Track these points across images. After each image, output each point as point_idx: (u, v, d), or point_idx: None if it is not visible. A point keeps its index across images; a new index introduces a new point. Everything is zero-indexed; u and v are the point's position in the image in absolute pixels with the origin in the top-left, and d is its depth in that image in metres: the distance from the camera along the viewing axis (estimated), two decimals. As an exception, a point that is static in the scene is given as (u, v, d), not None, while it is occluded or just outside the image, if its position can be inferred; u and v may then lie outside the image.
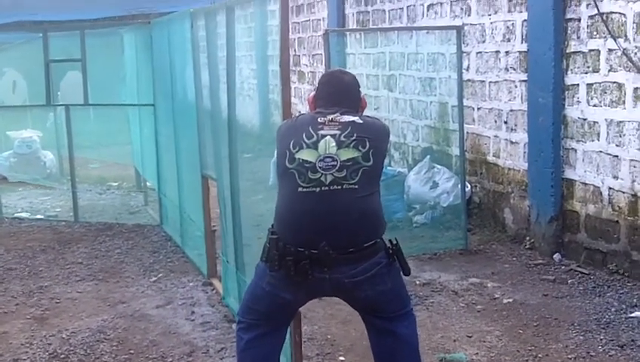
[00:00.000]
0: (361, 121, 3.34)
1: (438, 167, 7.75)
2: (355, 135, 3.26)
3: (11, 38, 11.55)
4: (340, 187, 3.18)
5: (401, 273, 3.40)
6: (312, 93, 3.56)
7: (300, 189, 3.19)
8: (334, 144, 3.23)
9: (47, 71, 8.27)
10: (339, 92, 3.48)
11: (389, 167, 8.25)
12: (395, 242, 3.33)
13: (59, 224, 8.28)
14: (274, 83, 13.48)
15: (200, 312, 5.28)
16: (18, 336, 4.96)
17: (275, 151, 3.45)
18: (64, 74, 11.57)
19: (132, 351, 4.64)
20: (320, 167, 3.19)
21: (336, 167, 3.19)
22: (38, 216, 8.73)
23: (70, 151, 8.55)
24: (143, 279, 6.12)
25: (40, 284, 6.06)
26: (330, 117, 3.32)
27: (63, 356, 4.59)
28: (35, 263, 6.69)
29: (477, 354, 4.55)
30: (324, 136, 3.25)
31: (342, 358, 4.51)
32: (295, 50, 12.52)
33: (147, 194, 9.10)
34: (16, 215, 8.77)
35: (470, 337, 4.81)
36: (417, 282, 5.90)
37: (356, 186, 3.20)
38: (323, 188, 3.18)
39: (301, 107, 12.37)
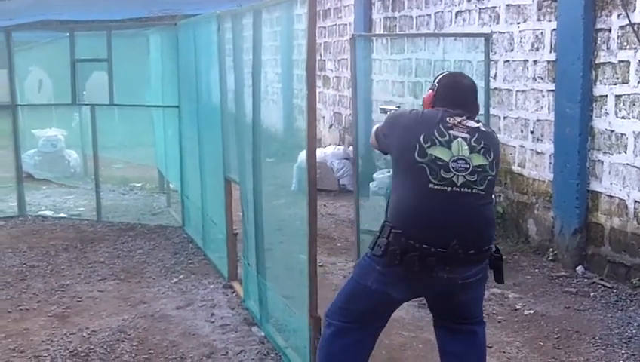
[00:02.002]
0: (484, 129, 3.40)
1: (462, 175, 7.69)
2: (482, 142, 3.32)
3: (37, 37, 11.65)
4: (470, 190, 3.23)
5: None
6: (430, 92, 3.56)
7: (430, 185, 3.20)
8: (467, 147, 3.27)
9: (73, 70, 8.33)
10: (463, 96, 3.50)
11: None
12: (499, 249, 3.43)
13: (82, 223, 8.33)
14: (298, 87, 13.48)
15: (220, 314, 5.28)
16: (39, 333, 4.99)
17: (388, 139, 3.47)
18: (90, 74, 11.63)
19: (152, 351, 4.65)
20: (453, 168, 3.22)
21: (469, 171, 3.23)
22: (62, 215, 8.79)
23: (95, 150, 8.61)
24: (164, 280, 6.13)
25: (62, 282, 6.09)
26: (458, 119, 3.35)
27: (83, 354, 4.61)
28: (57, 261, 6.73)
29: (497, 365, 4.51)
30: (456, 137, 3.28)
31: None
32: (321, 55, 12.53)
33: (170, 195, 9.13)
34: (39, 213, 8.83)
35: (490, 348, 4.75)
36: (438, 291, 5.85)
37: (483, 193, 3.27)
38: (454, 188, 3.21)
39: (325, 112, 12.38)
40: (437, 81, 3.58)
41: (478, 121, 3.43)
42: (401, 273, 3.20)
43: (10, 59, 8.63)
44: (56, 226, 8.19)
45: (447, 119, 3.34)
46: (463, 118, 3.37)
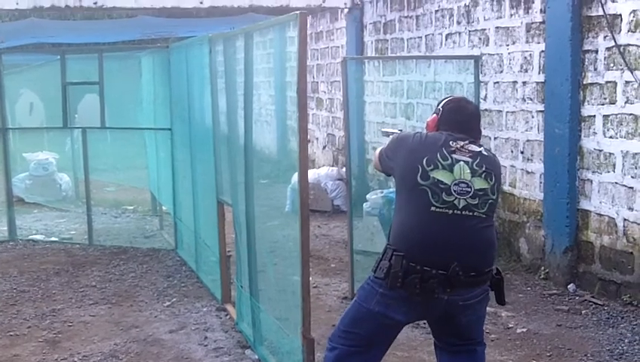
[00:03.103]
0: (486, 154, 3.43)
1: (454, 195, 7.72)
2: (484, 166, 3.36)
3: (29, 59, 11.68)
4: (471, 213, 3.27)
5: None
6: (434, 116, 3.60)
7: (432, 208, 3.24)
8: (469, 171, 3.31)
9: (64, 93, 8.33)
10: (466, 121, 3.54)
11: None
12: (500, 271, 3.48)
13: (73, 247, 8.31)
14: (292, 109, 13.54)
15: (213, 337, 5.26)
16: (29, 359, 4.96)
17: (391, 162, 3.52)
18: (82, 97, 11.66)
19: (144, 376, 4.64)
20: (455, 191, 3.26)
21: (470, 194, 3.27)
22: (53, 239, 8.76)
23: (86, 174, 8.60)
24: (157, 303, 6.11)
25: (53, 307, 6.07)
26: (461, 143, 3.39)
27: (75, 379, 4.60)
28: (48, 286, 6.70)
29: (490, 384, 4.51)
30: (458, 160, 3.32)
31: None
32: (313, 77, 12.59)
33: (162, 218, 9.11)
34: (30, 237, 8.80)
35: (484, 367, 4.76)
36: (431, 311, 5.86)
37: (484, 216, 3.31)
38: (455, 211, 3.25)
39: (318, 133, 12.43)
40: (441, 105, 3.62)
41: (480, 146, 3.47)
42: (403, 295, 3.23)
43: (0, 82, 8.63)
44: (47, 250, 8.16)
45: (451, 143, 3.38)
46: (466, 142, 3.41)
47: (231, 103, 5.41)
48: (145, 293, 6.41)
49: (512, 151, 7.20)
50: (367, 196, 8.28)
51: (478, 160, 3.35)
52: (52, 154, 11.64)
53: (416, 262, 3.19)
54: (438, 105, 3.65)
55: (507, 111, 7.24)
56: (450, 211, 3.24)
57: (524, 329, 5.44)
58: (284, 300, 4.85)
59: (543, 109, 6.67)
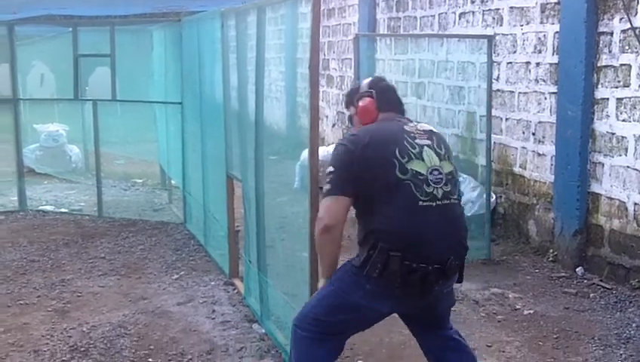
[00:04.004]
0: (435, 130, 3.34)
1: (464, 176, 7.70)
2: (442, 147, 3.27)
3: (40, 31, 11.65)
4: (449, 201, 3.17)
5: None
6: (368, 100, 3.40)
7: (420, 203, 3.09)
8: (435, 155, 3.20)
9: (75, 65, 8.32)
10: (398, 98, 3.47)
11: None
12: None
13: (83, 218, 8.34)
14: (302, 86, 13.50)
15: (221, 311, 5.29)
16: (39, 328, 5.00)
17: (350, 180, 3.15)
18: (93, 69, 11.67)
19: (152, 347, 4.66)
20: (431, 181, 3.14)
21: (443, 181, 3.17)
22: (62, 210, 8.80)
23: (96, 146, 8.62)
24: (165, 276, 6.15)
25: (62, 277, 6.11)
26: (412, 125, 3.29)
27: (83, 349, 4.63)
28: (57, 256, 6.74)
29: (496, 364, 4.53)
30: (422, 146, 3.19)
31: (360, 363, 4.50)
32: (325, 54, 12.54)
33: (171, 192, 9.14)
34: (40, 207, 8.84)
35: (490, 347, 4.78)
36: (438, 290, 5.87)
37: (457, 200, 3.25)
38: (437, 202, 3.13)
39: (328, 111, 12.40)
40: (369, 87, 3.44)
41: (418, 122, 3.36)
42: (397, 293, 3.12)
43: (12, 53, 8.63)
44: (57, 221, 8.20)
45: (406, 128, 3.24)
46: (413, 122, 3.30)
47: (242, 78, 5.39)
48: (153, 266, 6.44)
49: (523, 133, 7.17)
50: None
51: (435, 140, 3.24)
52: (62, 126, 11.67)
53: (413, 261, 3.05)
54: (360, 91, 3.46)
55: (519, 93, 7.20)
56: (434, 203, 3.11)
57: (531, 311, 5.44)
58: (292, 276, 4.87)
59: (555, 91, 6.63)
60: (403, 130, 3.22)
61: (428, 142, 3.21)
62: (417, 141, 3.19)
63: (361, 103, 3.42)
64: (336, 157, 3.24)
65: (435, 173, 3.15)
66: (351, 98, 3.55)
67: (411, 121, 3.34)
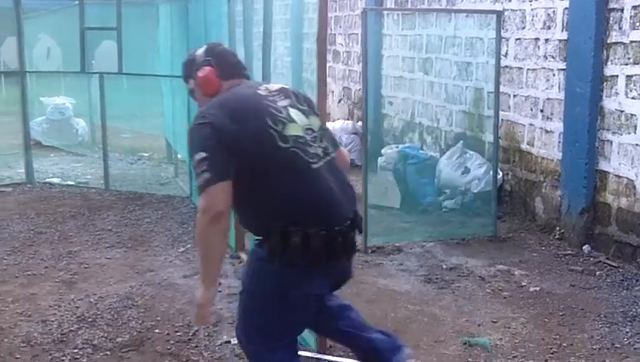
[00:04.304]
0: (287, 86, 3.12)
1: (471, 152, 7.70)
2: (302, 101, 3.07)
3: (45, 4, 11.62)
4: (330, 157, 3.00)
5: None
6: (208, 69, 3.04)
7: (312, 166, 2.88)
8: (301, 114, 2.99)
9: (82, 38, 8.30)
10: (239, 61, 3.19)
11: (420, 151, 8.22)
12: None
13: (89, 191, 8.36)
14: (308, 61, 13.42)
15: (227, 284, 5.30)
16: (46, 298, 5.03)
17: (223, 156, 2.78)
18: (99, 43, 11.63)
19: (159, 318, 4.69)
20: (310, 141, 2.94)
21: (318, 138, 2.99)
22: (69, 183, 8.82)
23: (103, 119, 8.62)
24: (171, 249, 6.17)
25: (69, 249, 6.13)
26: (264, 87, 3.03)
27: (90, 319, 4.66)
28: (64, 228, 6.77)
29: (501, 339, 4.53)
30: (286, 107, 2.96)
31: (366, 337, 4.50)
32: (331, 29, 12.46)
33: (177, 166, 9.16)
34: (47, 180, 8.87)
35: (495, 323, 4.79)
36: (444, 266, 5.89)
37: (335, 155, 3.08)
38: (322, 161, 2.93)
39: (334, 87, 12.35)
40: (206, 55, 3.10)
41: (266, 83, 3.13)
42: (320, 267, 2.87)
43: (19, 26, 8.61)
44: (63, 193, 8.23)
45: (260, 92, 2.98)
46: (261, 84, 3.07)
47: (248, 53, 5.37)
48: (160, 239, 6.46)
49: (531, 110, 7.13)
50: (382, 151, 8.28)
51: (293, 98, 3.03)
52: (69, 99, 11.67)
53: (326, 227, 2.82)
54: (197, 61, 3.10)
55: (528, 69, 7.16)
56: (321, 162, 2.92)
57: (537, 288, 5.45)
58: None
59: (564, 68, 6.58)
60: (260, 96, 2.96)
61: (288, 101, 2.99)
62: (279, 104, 2.96)
63: (200, 74, 3.05)
64: (202, 140, 2.80)
65: (309, 131, 2.96)
66: (188, 70, 3.16)
67: (260, 84, 3.09)
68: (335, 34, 12.47)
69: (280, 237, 2.80)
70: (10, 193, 8.22)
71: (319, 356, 4.15)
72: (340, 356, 4.18)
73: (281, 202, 2.84)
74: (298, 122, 2.95)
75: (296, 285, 2.86)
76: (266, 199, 2.86)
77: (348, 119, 11.36)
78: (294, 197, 2.84)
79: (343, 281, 3.16)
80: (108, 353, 4.22)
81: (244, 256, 5.78)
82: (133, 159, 10.28)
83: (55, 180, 8.89)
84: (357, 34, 11.36)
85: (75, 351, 4.22)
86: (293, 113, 2.96)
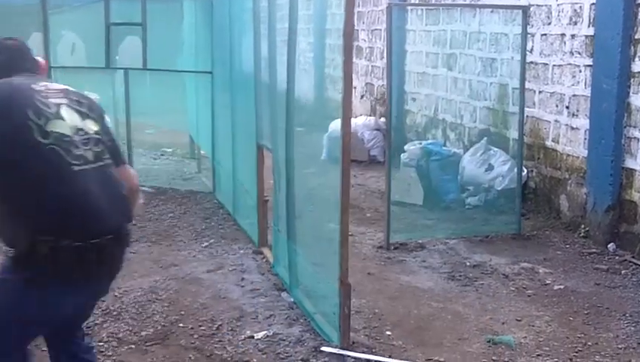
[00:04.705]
0: (74, 90, 2.94)
1: (495, 149, 7.65)
2: (83, 104, 2.87)
3: (69, 0, 11.68)
4: (102, 163, 2.79)
5: None
6: None
7: (73, 168, 2.65)
8: (76, 114, 2.79)
9: (107, 34, 8.34)
10: (21, 57, 2.99)
11: (444, 147, 8.18)
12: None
13: (113, 186, 8.39)
14: (331, 57, 13.43)
15: (250, 279, 5.32)
16: (72, 292, 5.06)
17: None
18: (123, 38, 11.67)
19: (183, 313, 4.71)
20: (80, 142, 2.73)
21: (92, 141, 2.78)
22: (94, 178, 8.85)
23: (127, 115, 8.65)
24: (195, 244, 6.19)
25: (94, 243, 6.16)
26: (42, 83, 2.84)
27: (115, 313, 4.69)
28: (89, 222, 6.79)
29: (525, 337, 4.51)
30: (59, 105, 2.76)
31: (388, 333, 4.50)
32: (354, 25, 12.42)
33: (200, 161, 9.19)
34: (72, 175, 8.90)
35: (519, 321, 4.76)
36: (467, 263, 5.87)
37: (110, 162, 2.85)
38: (89, 165, 2.72)
39: (357, 82, 12.33)
40: None
41: (50, 82, 2.94)
42: (73, 280, 2.66)
43: (45, 22, 8.67)
44: (88, 188, 8.26)
45: (33, 86, 2.77)
46: (43, 81, 2.88)
47: (272, 49, 5.37)
48: (183, 234, 6.49)
49: (556, 106, 7.07)
50: (405, 147, 8.25)
51: (74, 99, 2.84)
52: (93, 95, 11.67)
53: (71, 237, 2.59)
54: None
55: (554, 65, 7.09)
56: (87, 166, 2.70)
57: (562, 287, 5.41)
58: (320, 246, 4.88)
59: (591, 64, 6.51)
60: (32, 91, 2.74)
61: (65, 100, 2.80)
62: (52, 100, 2.75)
63: None
64: None
65: (81, 133, 2.75)
66: None
67: (41, 81, 2.88)
68: (358, 30, 12.42)
69: (26, 248, 2.58)
70: (35, 187, 8.27)
71: (346, 353, 4.15)
72: (364, 352, 4.17)
73: (29, 203, 2.61)
74: (67, 121, 2.74)
75: (37, 303, 2.64)
76: (13, 200, 2.64)
77: (370, 115, 11.34)
78: (43, 197, 2.61)
79: (93, 303, 3.04)
80: (132, 346, 4.25)
81: (266, 252, 5.79)
82: (156, 155, 10.31)
83: (80, 175, 8.92)
84: (380, 29, 11.33)
85: (101, 343, 4.25)
86: (66, 112, 2.76)
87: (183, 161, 9.96)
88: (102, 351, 4.16)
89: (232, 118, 6.81)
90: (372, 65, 11.93)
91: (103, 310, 4.71)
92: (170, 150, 10.64)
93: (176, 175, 9.00)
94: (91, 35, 9.93)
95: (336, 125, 9.16)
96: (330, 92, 13.45)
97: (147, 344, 4.28)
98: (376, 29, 11.61)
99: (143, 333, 4.41)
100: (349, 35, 3.85)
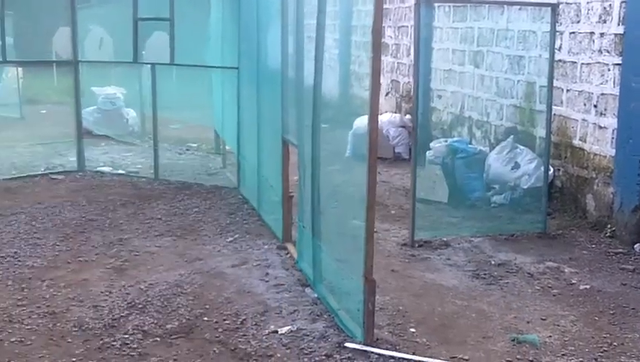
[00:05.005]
0: None
1: (521, 147, 7.60)
2: None
3: (98, -5, 11.79)
4: None
5: None
6: None
7: None
8: None
9: (135, 29, 8.40)
10: None
11: (469, 145, 8.15)
12: None
13: (139, 180, 8.47)
14: (356, 54, 13.43)
15: (274, 274, 5.34)
16: (98, 284, 5.11)
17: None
18: (150, 33, 11.75)
19: (207, 306, 4.73)
20: None
21: None
22: (120, 171, 8.94)
23: (154, 109, 8.71)
24: (220, 238, 6.22)
25: (120, 237, 6.22)
26: None
27: (140, 306, 4.72)
28: (115, 216, 6.87)
29: (550, 337, 4.48)
30: None
31: (412, 330, 4.49)
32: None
33: (225, 156, 9.22)
34: (98, 168, 9.00)
35: (544, 320, 4.73)
36: (492, 262, 5.84)
37: None
38: None
39: (382, 79, 12.29)
40: None
41: None
42: None
43: (73, 17, 8.75)
44: (114, 182, 8.35)
45: None
46: None
47: (299, 45, 5.37)
48: (208, 228, 6.52)
49: (584, 105, 7.01)
50: (431, 144, 8.23)
51: None
52: (119, 89, 11.82)
53: None
54: None
55: (582, 63, 7.03)
56: None
57: (588, 286, 5.37)
58: (344, 242, 4.89)
59: (620, 62, 6.45)
60: None
61: None
62: None
63: None
64: None
65: None
66: None
67: None
68: (384, 26, 12.38)
69: None
70: (62, 181, 8.37)
71: (370, 349, 4.15)
72: (388, 349, 4.17)
73: None
74: None
75: None
76: None
77: (395, 112, 11.31)
78: None
79: None
80: (157, 339, 4.28)
81: (290, 248, 5.80)
82: (181, 149, 10.37)
83: (106, 169, 9.02)
84: (407, 26, 11.30)
85: (126, 336, 4.29)
86: None
87: (208, 156, 10.01)
88: (127, 344, 4.20)
89: (257, 114, 6.82)
90: (398, 62, 11.90)
91: (128, 303, 4.76)
92: (195, 145, 10.70)
93: (202, 170, 9.05)
94: (119, 30, 10.03)
95: (360, 122, 9.20)
96: (356, 89, 13.45)
97: (172, 337, 4.31)
98: (402, 26, 11.57)
99: (168, 326, 4.44)
100: (377, 31, 3.84)
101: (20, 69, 13.44)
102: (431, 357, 4.15)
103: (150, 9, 8.96)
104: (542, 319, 4.75)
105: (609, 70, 6.64)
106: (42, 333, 4.33)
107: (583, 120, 7.03)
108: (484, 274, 5.55)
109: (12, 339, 4.24)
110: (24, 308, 4.67)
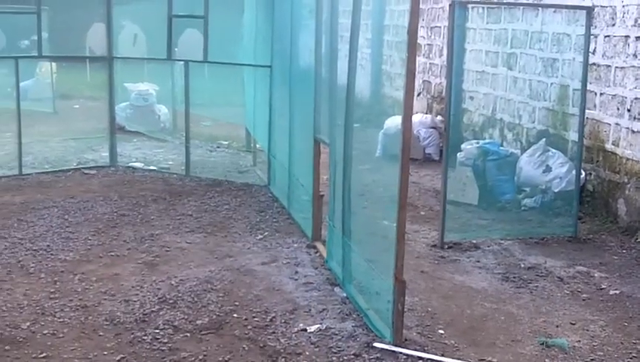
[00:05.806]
0: None
1: (553, 151, 7.56)
2: None
3: (131, -8, 11.88)
4: None
5: None
6: None
7: None
8: None
9: (169, 26, 8.48)
10: None
11: (501, 148, 8.11)
12: None
13: (170, 176, 8.55)
14: (388, 53, 13.41)
15: (303, 273, 5.37)
16: (129, 279, 5.18)
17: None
18: (182, 31, 11.83)
19: (237, 303, 4.77)
20: None
21: None
22: (151, 167, 9.03)
23: (187, 107, 8.78)
24: (250, 236, 6.26)
25: (151, 232, 6.29)
26: None
27: (171, 301, 4.77)
28: (146, 212, 6.94)
29: (579, 341, 4.46)
30: None
31: (441, 331, 4.50)
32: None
33: (256, 154, 9.26)
34: (130, 164, 9.10)
35: (573, 324, 4.71)
36: (522, 265, 5.81)
37: None
38: None
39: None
40: None
41: None
42: None
43: (109, 13, 8.86)
44: (145, 178, 8.44)
45: None
46: None
47: (333, 44, 5.39)
48: (238, 225, 6.56)
49: (618, 109, 6.95)
50: (462, 146, 8.20)
51: None
52: (152, 86, 11.92)
53: None
54: None
55: (616, 67, 6.97)
56: None
57: (617, 292, 5.33)
58: (374, 243, 4.90)
59: (655, 67, 6.39)
60: None
61: None
62: None
63: None
64: None
65: None
66: None
67: None
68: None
69: None
70: (94, 176, 8.47)
71: (399, 349, 4.16)
72: (416, 350, 4.18)
73: None
74: None
75: None
76: None
77: (426, 113, 11.28)
78: None
79: None
80: (188, 334, 4.32)
81: (320, 247, 5.83)
82: (212, 147, 10.44)
83: (138, 165, 9.12)
84: (439, 27, 11.27)
85: (157, 331, 4.34)
86: None
87: (239, 153, 10.07)
88: (157, 339, 4.25)
89: (289, 112, 6.85)
90: (430, 63, 11.87)
91: (159, 298, 4.81)
92: (226, 142, 10.77)
93: (232, 167, 9.11)
94: (153, 27, 10.11)
95: (392, 122, 9.20)
96: (387, 89, 13.44)
97: (202, 333, 4.36)
98: (435, 27, 11.55)
99: (198, 322, 4.49)
100: (413, 32, 3.85)
101: (53, 64, 13.61)
102: (459, 359, 4.15)
103: (184, 6, 9.03)
104: (571, 323, 4.73)
105: (644, 74, 6.58)
106: (74, 326, 4.40)
107: (616, 124, 6.97)
108: (514, 277, 5.53)
109: (44, 332, 4.30)
110: (56, 301, 4.75)
